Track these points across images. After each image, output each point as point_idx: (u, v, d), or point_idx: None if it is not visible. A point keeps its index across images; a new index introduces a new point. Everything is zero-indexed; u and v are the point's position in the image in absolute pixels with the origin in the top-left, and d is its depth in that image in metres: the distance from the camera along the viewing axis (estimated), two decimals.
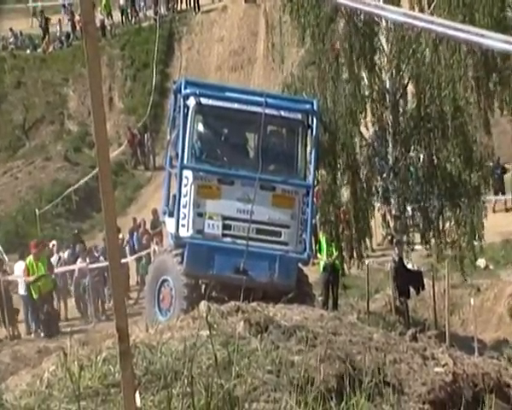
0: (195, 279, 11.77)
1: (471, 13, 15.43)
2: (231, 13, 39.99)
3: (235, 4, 40.28)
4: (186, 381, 5.16)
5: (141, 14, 41.31)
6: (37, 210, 29.86)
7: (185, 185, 11.73)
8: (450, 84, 15.56)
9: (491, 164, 17.61)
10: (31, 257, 17.99)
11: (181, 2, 41.33)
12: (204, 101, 11.90)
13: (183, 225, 11.70)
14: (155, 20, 39.96)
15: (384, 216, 19.50)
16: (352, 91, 16.15)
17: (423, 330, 13.39)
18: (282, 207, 11.85)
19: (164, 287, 11.92)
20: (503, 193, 25.35)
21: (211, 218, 11.67)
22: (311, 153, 12.24)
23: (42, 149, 36.24)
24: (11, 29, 41.81)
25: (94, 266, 20.76)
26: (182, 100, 11.97)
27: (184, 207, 11.69)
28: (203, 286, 11.85)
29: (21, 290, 19.67)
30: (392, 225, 16.77)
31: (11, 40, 41.48)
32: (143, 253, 21.64)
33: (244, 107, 11.97)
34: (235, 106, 11.98)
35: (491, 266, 21.27)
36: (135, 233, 23.86)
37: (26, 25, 42.06)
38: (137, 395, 4.69)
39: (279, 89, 17.25)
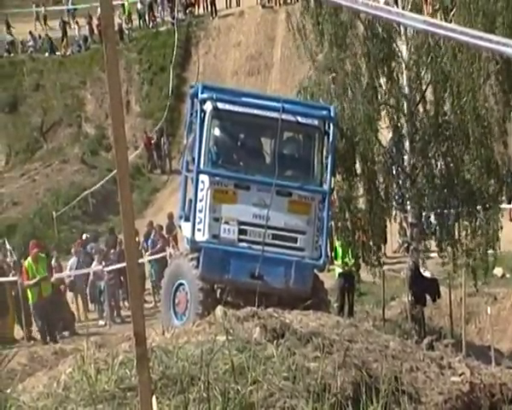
0: (211, 284, 11.75)
1: (491, 22, 15.35)
2: (248, 18, 40.04)
3: (253, 9, 40.33)
4: (202, 386, 5.16)
5: (158, 19, 41.48)
6: (54, 212, 30.01)
7: (201, 190, 11.72)
8: (470, 92, 15.47)
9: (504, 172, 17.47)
10: (29, 259, 16.98)
11: (198, 7, 41.46)
12: (221, 105, 11.89)
13: (198, 230, 11.68)
14: (173, 24, 40.10)
15: (401, 223, 19.45)
16: (369, 98, 16.10)
17: (439, 338, 13.33)
18: (298, 213, 11.82)
19: (179, 291, 11.92)
20: None
21: (227, 223, 11.64)
22: (327, 159, 12.20)
23: (59, 151, 36.44)
24: (30, 32, 42.13)
25: (110, 268, 20.82)
26: (199, 104, 11.96)
27: (200, 211, 11.69)
28: (218, 291, 11.84)
29: None
30: (408, 232, 16.69)
31: (30, 43, 41.78)
32: (158, 256, 21.66)
33: (261, 112, 11.95)
34: (252, 111, 11.97)
35: (507, 275, 21.12)
36: (150, 236, 23.89)
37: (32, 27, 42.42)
38: (154, 399, 4.69)
39: (296, 94, 17.21)
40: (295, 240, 11.78)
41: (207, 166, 11.84)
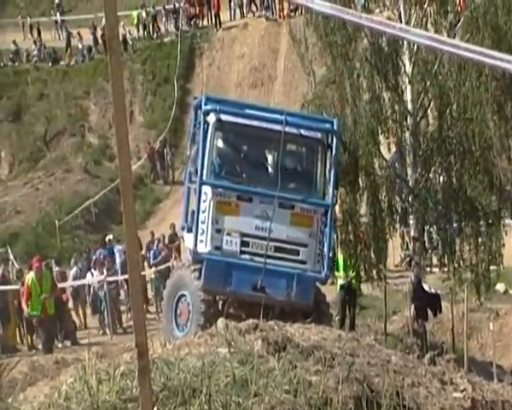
0: (213, 295, 11.73)
1: (498, 36, 15.37)
2: (252, 30, 40.17)
3: (256, 22, 40.46)
4: (204, 398, 5.15)
5: (162, 30, 41.61)
6: (56, 221, 30.04)
7: (204, 201, 11.72)
8: (475, 107, 15.48)
9: (507, 188, 17.46)
10: (32, 275, 15.42)
11: (202, 19, 41.61)
12: (224, 117, 11.91)
13: (201, 241, 11.68)
14: (177, 35, 40.23)
15: (403, 237, 19.43)
16: (373, 112, 16.12)
17: (441, 353, 13.28)
18: (301, 226, 11.81)
19: (181, 302, 11.90)
20: None
21: (229, 234, 11.63)
22: (330, 172, 12.20)
23: (62, 160, 36.51)
24: (35, 42, 42.28)
25: (112, 278, 20.81)
26: (202, 116, 11.98)
27: (203, 222, 11.69)
28: (220, 302, 11.82)
29: None
30: (410, 246, 16.68)
31: (35, 53, 41.93)
32: (162, 267, 21.65)
33: (264, 124, 11.97)
34: (255, 123, 11.98)
35: (510, 291, 21.07)
36: (153, 247, 23.91)
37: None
38: None
39: (299, 107, 17.24)
40: (297, 253, 11.77)
41: (210, 177, 11.86)
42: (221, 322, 7.23)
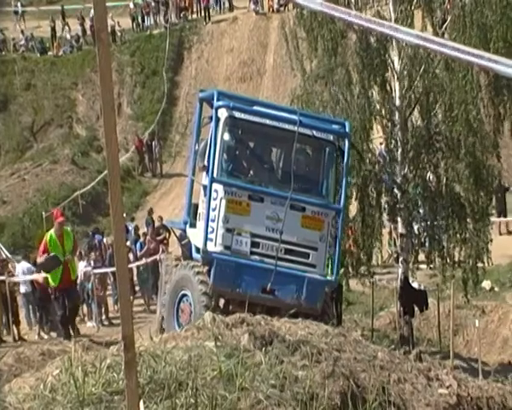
0: (219, 297, 11.47)
1: (485, 35, 15.42)
2: (241, 24, 40.14)
3: (246, 15, 40.44)
4: (190, 392, 5.14)
5: (151, 22, 41.49)
6: (43, 212, 29.91)
7: (214, 199, 11.39)
8: (462, 104, 15.52)
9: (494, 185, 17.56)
10: (52, 231, 12.92)
11: (191, 12, 41.51)
12: (236, 114, 11.63)
13: (210, 240, 11.41)
14: (166, 27, 40.13)
15: (390, 234, 19.47)
16: (362, 107, 16.13)
17: (427, 350, 13.35)
18: (311, 229, 11.55)
19: (183, 301, 11.69)
20: (505, 215, 25.23)
21: (239, 234, 11.37)
22: (341, 175, 12.01)
23: (49, 151, 36.35)
24: (22, 31, 42.04)
25: (99, 271, 20.75)
26: (214, 112, 11.65)
27: (213, 221, 11.39)
28: (222, 301, 11.57)
29: (23, 289, 19.70)
30: (398, 243, 16.72)
31: (22, 42, 41.68)
32: (149, 260, 21.61)
33: (277, 123, 11.70)
34: (268, 122, 11.69)
35: (496, 288, 21.20)
36: (139, 240, 23.86)
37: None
38: (141, 404, 4.67)
39: (288, 101, 17.22)
40: (307, 256, 11.55)
41: (221, 175, 11.57)
42: (208, 315, 7.21)
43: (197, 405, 5.03)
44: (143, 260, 21.59)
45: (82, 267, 21.27)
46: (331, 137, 12.04)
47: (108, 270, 20.31)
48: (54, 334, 18.95)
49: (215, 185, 11.50)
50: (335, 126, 12.47)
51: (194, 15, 41.52)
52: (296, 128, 11.57)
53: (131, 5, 41.22)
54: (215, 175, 11.53)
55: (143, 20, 41.58)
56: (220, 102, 11.70)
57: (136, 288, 22.00)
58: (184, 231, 12.79)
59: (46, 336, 18.66)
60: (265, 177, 11.92)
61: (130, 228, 24.15)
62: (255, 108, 12.08)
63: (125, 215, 25.26)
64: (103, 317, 20.54)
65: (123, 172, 31.67)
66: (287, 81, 33.02)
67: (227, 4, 41.26)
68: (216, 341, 6.02)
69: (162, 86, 37.94)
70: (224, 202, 11.40)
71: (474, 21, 15.45)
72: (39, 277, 18.74)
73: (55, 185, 32.93)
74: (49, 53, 41.22)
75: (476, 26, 15.44)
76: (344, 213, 12.32)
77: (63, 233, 12.98)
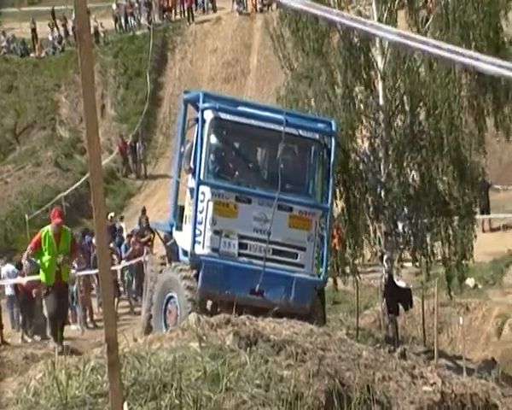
0: (205, 299, 11.41)
1: (467, 33, 15.49)
2: (225, 24, 40.11)
3: (229, 16, 40.42)
4: (175, 393, 5.13)
5: (134, 22, 41.36)
6: (26, 215, 29.74)
7: (201, 201, 11.34)
8: (445, 102, 15.58)
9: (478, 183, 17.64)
10: (49, 228, 12.19)
11: (175, 13, 41.44)
12: (222, 115, 11.59)
13: (198, 243, 11.36)
14: (149, 28, 40.03)
15: (375, 232, 19.49)
16: (345, 106, 16.16)
17: (412, 348, 13.38)
18: (299, 229, 11.54)
19: (170, 303, 11.67)
20: (488, 213, 25.39)
21: (227, 236, 11.35)
22: (328, 174, 11.97)
23: (32, 154, 36.14)
24: (3, 32, 41.77)
25: (83, 273, 20.65)
26: (200, 113, 11.61)
27: (200, 223, 11.35)
28: (210, 303, 11.52)
29: (7, 291, 19.57)
30: (382, 241, 16.76)
31: (3, 44, 41.43)
32: (133, 261, 21.53)
33: (263, 124, 11.67)
34: (254, 122, 11.66)
35: (479, 286, 21.32)
36: (123, 241, 23.78)
37: None
38: (125, 405, 4.65)
39: (272, 101, 17.21)
40: (295, 256, 11.54)
41: (208, 177, 11.51)
42: (193, 316, 7.19)
43: (182, 406, 5.02)
44: (128, 262, 21.53)
45: None
46: (317, 136, 12.02)
47: (92, 272, 20.22)
48: (37, 337, 18.85)
49: (202, 188, 11.45)
50: (321, 125, 12.46)
51: (178, 16, 41.45)
52: (283, 128, 11.53)
53: (114, 6, 41.08)
54: (202, 177, 11.46)
55: (126, 21, 41.46)
56: (206, 104, 11.64)
57: (121, 289, 21.92)
58: (170, 233, 12.72)
59: (30, 340, 18.55)
60: (252, 178, 11.88)
61: (118, 227, 24.35)
62: (241, 108, 12.02)
63: (112, 215, 25.29)
64: (88, 319, 20.44)
65: (107, 173, 31.55)
66: (271, 81, 33.02)
67: (210, 5, 41.22)
68: (200, 341, 6.01)
69: (146, 87, 37.84)
70: (211, 204, 11.35)
71: (457, 19, 15.52)
72: (23, 280, 18.63)
73: (38, 188, 32.74)
74: (31, 55, 40.99)
75: (458, 24, 15.50)
76: (331, 212, 12.29)
77: (61, 232, 12.18)
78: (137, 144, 34.65)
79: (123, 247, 23.21)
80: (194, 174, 11.66)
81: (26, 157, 35.89)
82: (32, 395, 5.14)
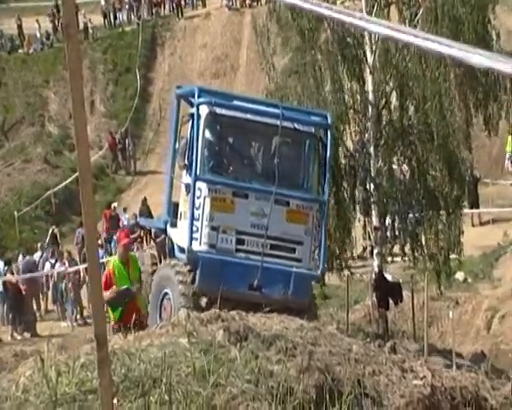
0: (202, 295, 11.27)
1: (456, 27, 15.51)
2: (214, 20, 40.03)
3: (219, 11, 40.33)
4: (164, 388, 5.12)
5: (124, 18, 41.21)
6: (16, 212, 29.62)
7: (198, 197, 11.24)
8: (435, 96, 15.61)
9: (467, 178, 17.70)
10: (115, 258, 11.04)
11: (164, 8, 41.33)
12: (218, 110, 11.49)
13: (195, 239, 11.26)
14: (138, 24, 39.91)
15: (364, 227, 19.52)
16: (335, 101, 16.16)
17: (402, 342, 13.40)
18: (296, 223, 11.49)
19: (166, 299, 11.61)
20: (477, 207, 25.45)
21: (224, 232, 11.25)
22: (324, 167, 11.88)
23: (21, 150, 35.97)
24: None
25: (72, 269, 20.60)
26: (195, 109, 11.49)
27: (197, 219, 11.24)
28: (204, 300, 11.35)
29: None
30: (372, 236, 16.77)
31: None
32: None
33: (259, 118, 11.59)
34: (250, 117, 11.58)
35: (469, 280, 21.37)
36: (114, 237, 23.73)
37: None
38: (115, 401, 4.64)
39: (262, 96, 17.16)
40: (293, 250, 11.48)
41: (204, 173, 11.39)
42: (183, 312, 7.19)
43: (171, 402, 5.01)
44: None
45: (57, 267, 21.14)
46: (313, 130, 11.98)
47: (82, 266, 20.17)
48: (27, 334, 18.80)
49: (198, 183, 11.33)
50: (317, 118, 12.40)
51: (167, 12, 41.34)
52: (279, 122, 11.45)
53: (103, 2, 40.92)
54: (198, 173, 11.34)
55: (115, 17, 41.31)
56: (202, 99, 11.53)
57: None
58: (164, 230, 12.62)
59: (19, 337, 18.50)
60: (249, 172, 11.80)
61: (123, 219, 24.68)
62: (237, 103, 11.92)
63: (115, 205, 25.58)
64: (78, 316, 20.40)
65: (96, 169, 31.45)
66: (260, 76, 32.91)
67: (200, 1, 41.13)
68: (190, 337, 6.00)
69: (135, 83, 37.72)
70: (208, 200, 11.26)
71: (446, 13, 15.54)
72: (12, 277, 18.59)
73: (28, 184, 32.61)
74: (20, 51, 40.80)
75: (448, 18, 15.53)
76: (328, 205, 12.21)
77: (129, 259, 10.90)
78: (127, 140, 34.55)
79: (113, 243, 23.18)
80: (189, 170, 11.54)
81: (15, 153, 35.73)
82: (22, 392, 5.12)
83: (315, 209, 11.73)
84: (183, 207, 11.88)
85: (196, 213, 11.28)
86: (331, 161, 12.23)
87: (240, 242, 11.35)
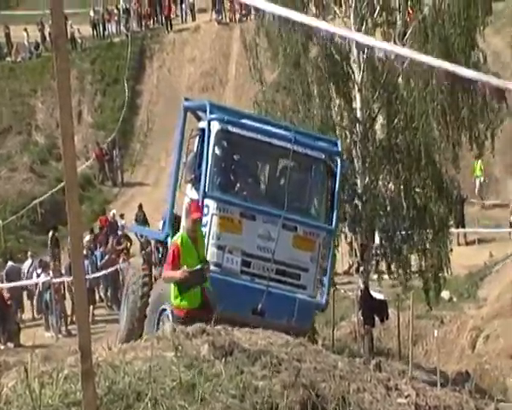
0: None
1: (446, 47, 15.60)
2: (204, 34, 40.12)
3: (208, 25, 40.43)
4: (149, 402, 5.08)
5: (113, 30, 41.21)
6: (0, 221, 29.46)
7: (205, 215, 10.87)
8: (423, 116, 15.68)
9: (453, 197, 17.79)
10: (184, 233, 9.15)
11: (153, 21, 41.39)
12: (229, 128, 11.32)
13: None
14: (127, 36, 39.93)
15: (351, 244, 19.55)
16: (323, 118, 16.21)
17: (387, 359, 13.39)
18: (303, 250, 11.31)
19: (163, 315, 11.32)
20: (463, 226, 25.62)
21: (230, 252, 11.06)
22: (333, 195, 11.72)
23: (8, 159, 35.82)
24: None
25: (58, 280, 20.49)
26: (206, 124, 11.29)
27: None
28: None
29: None
30: (358, 253, 16.79)
31: None
32: (109, 270, 21.41)
33: (271, 140, 11.41)
34: (261, 137, 11.41)
35: (454, 299, 21.44)
36: (99, 249, 23.63)
37: None
38: None
39: (250, 110, 17.19)
40: (298, 277, 11.30)
41: (212, 190, 11.18)
42: (168, 326, 7.15)
43: None
44: (101, 272, 21.43)
45: (42, 277, 21.04)
46: (323, 156, 11.82)
47: (67, 279, 20.08)
48: (10, 345, 18.66)
49: (207, 201, 11.12)
50: (326, 145, 12.27)
51: (156, 24, 41.40)
52: (290, 146, 11.30)
53: (92, 13, 40.92)
54: (207, 190, 11.15)
55: (104, 28, 41.32)
56: (213, 115, 11.37)
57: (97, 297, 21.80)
58: (165, 243, 12.39)
59: (2, 347, 18.36)
60: (257, 194, 11.65)
61: (120, 225, 25.05)
62: (249, 122, 11.75)
63: (114, 212, 25.82)
64: (62, 327, 20.29)
65: (83, 180, 31.35)
66: (249, 91, 32.98)
67: (189, 14, 41.22)
68: (176, 351, 5.97)
69: (123, 95, 37.71)
70: (215, 218, 11.08)
71: (436, 34, 15.63)
72: None
73: (14, 193, 32.46)
74: (7, 59, 40.70)
75: (438, 38, 15.61)
76: (335, 234, 12.03)
77: (198, 236, 9.12)
78: (114, 151, 34.50)
79: (98, 254, 23.07)
80: (196, 185, 11.35)
81: (1, 162, 35.57)
82: (4, 404, 5.06)
83: (322, 237, 11.54)
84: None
85: (203, 230, 11.23)
86: (340, 189, 12.01)
87: (245, 264, 11.14)
